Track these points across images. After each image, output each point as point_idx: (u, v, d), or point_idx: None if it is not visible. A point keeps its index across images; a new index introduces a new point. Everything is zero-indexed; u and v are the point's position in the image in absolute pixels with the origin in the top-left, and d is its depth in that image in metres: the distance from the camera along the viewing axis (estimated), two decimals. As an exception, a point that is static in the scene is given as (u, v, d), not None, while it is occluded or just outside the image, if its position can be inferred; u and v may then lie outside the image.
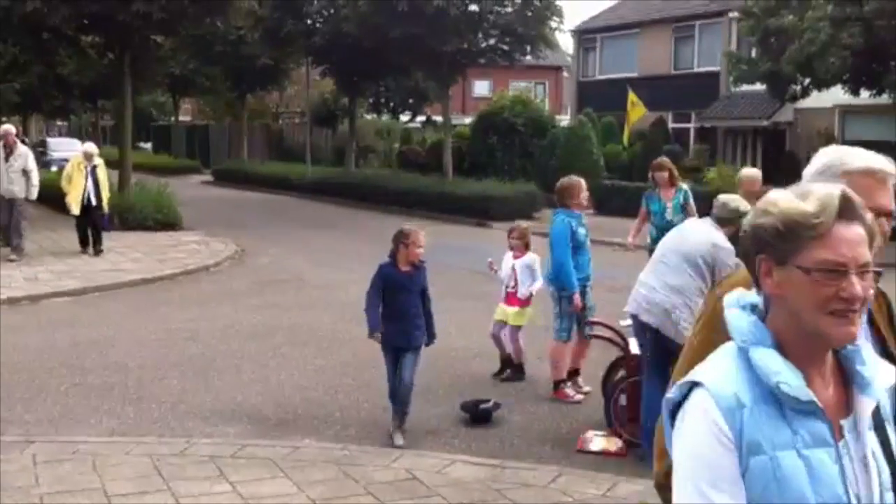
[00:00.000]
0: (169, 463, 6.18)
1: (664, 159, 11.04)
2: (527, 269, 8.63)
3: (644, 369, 6.63)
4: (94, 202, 15.92)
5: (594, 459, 6.62)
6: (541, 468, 6.28)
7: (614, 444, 6.86)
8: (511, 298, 8.66)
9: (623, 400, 7.02)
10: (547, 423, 7.53)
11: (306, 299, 12.90)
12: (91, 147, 16.70)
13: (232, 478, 5.93)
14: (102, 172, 16.23)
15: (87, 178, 15.92)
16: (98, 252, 16.03)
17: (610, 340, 7.75)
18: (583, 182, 8.46)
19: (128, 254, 16.49)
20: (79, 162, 16.12)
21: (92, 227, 16.18)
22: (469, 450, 6.81)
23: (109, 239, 16.95)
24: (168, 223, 20.23)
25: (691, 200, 10.48)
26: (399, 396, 6.94)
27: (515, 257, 8.71)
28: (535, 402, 8.07)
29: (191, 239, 18.79)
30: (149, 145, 57.73)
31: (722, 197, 6.54)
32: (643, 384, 6.61)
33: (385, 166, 35.87)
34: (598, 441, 6.91)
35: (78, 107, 46.97)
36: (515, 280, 8.60)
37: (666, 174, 10.51)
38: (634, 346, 7.24)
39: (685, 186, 10.75)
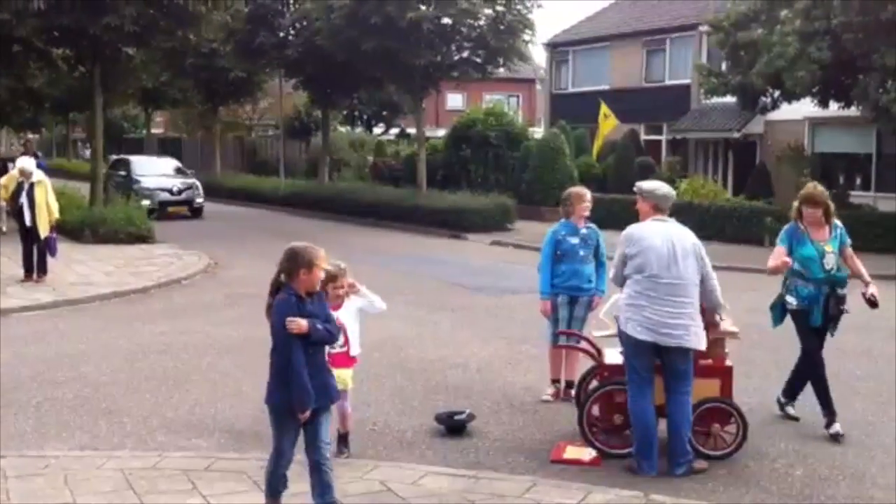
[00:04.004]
0: (141, 477, 6.14)
1: (820, 190, 7.72)
2: (357, 313, 6.64)
3: (630, 379, 6.67)
4: (28, 223, 14.33)
5: (568, 469, 6.63)
6: (515, 479, 6.29)
7: (588, 454, 6.88)
8: (343, 358, 6.49)
9: (596, 410, 7.05)
10: (521, 433, 7.54)
11: (280, 312, 12.84)
12: (27, 162, 14.87)
13: (205, 491, 5.90)
14: (42, 192, 14.45)
15: (21, 196, 14.37)
16: (40, 279, 14.53)
17: (582, 350, 7.78)
18: (578, 193, 8.58)
19: (99, 267, 16.37)
20: (14, 177, 14.66)
21: (37, 252, 14.58)
22: (443, 461, 6.81)
23: (82, 252, 16.80)
24: (140, 236, 20.11)
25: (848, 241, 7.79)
26: (326, 476, 5.36)
27: (334, 308, 6.08)
28: (509, 414, 8.09)
29: (163, 252, 18.69)
30: (121, 158, 57.39)
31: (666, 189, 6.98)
32: (630, 393, 6.65)
33: (359, 179, 35.86)
34: (571, 451, 6.93)
35: (49, 120, 46.61)
36: (346, 336, 6.48)
37: (820, 211, 7.60)
38: (608, 356, 7.29)
39: (839, 224, 7.81)
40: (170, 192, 27.91)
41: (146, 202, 25.70)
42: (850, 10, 19.20)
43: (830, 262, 7.50)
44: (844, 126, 26.13)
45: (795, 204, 7.69)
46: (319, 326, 5.13)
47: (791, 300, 7.61)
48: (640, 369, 6.62)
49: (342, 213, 27.55)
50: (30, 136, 52.42)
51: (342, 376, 6.42)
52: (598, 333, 7.70)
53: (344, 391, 6.49)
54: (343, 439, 6.86)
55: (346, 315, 6.50)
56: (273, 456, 5.39)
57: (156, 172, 29.21)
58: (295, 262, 5.19)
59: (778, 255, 7.58)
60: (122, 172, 29.55)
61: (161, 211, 26.64)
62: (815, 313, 7.51)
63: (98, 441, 7.24)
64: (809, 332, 7.66)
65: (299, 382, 5.08)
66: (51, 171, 25.39)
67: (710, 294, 6.70)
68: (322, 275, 5.33)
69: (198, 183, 29.32)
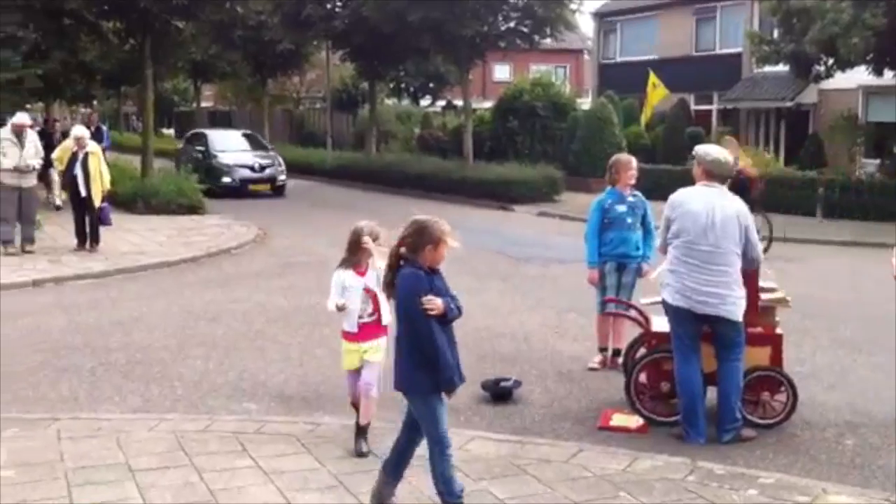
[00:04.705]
0: (192, 439, 6.24)
1: None
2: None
3: (675, 346, 6.63)
4: (83, 193, 14.58)
5: (614, 436, 6.62)
6: (561, 444, 6.29)
7: (635, 421, 6.86)
8: (373, 328, 6.07)
9: (644, 377, 7.01)
10: (567, 400, 7.54)
11: (328, 281, 12.85)
12: (82, 130, 15.18)
13: (254, 453, 5.98)
14: (96, 161, 14.70)
15: (76, 166, 14.59)
16: (94, 248, 14.77)
17: (630, 318, 7.74)
18: (625, 160, 8.51)
19: (151, 237, 16.59)
20: (69, 147, 14.85)
21: (89, 221, 14.83)
22: (490, 427, 6.83)
23: (135, 222, 16.94)
24: (191, 207, 20.35)
25: None
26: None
27: (361, 273, 6.03)
28: (555, 381, 8.08)
29: (213, 222, 18.90)
30: (171, 131, 58.02)
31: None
32: (676, 361, 6.60)
33: (406, 151, 35.86)
34: (618, 418, 6.91)
35: (100, 93, 47.10)
36: (376, 304, 6.04)
37: None
38: (656, 324, 7.24)
39: None
40: (251, 168, 26.00)
41: (226, 180, 25.09)
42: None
43: None
44: (900, 94, 25.56)
45: None
46: (452, 305, 4.83)
47: None
48: (684, 337, 6.57)
49: (389, 184, 27.57)
50: (87, 110, 53.12)
51: (374, 348, 6.05)
52: (644, 301, 7.65)
53: (375, 365, 6.03)
54: (362, 433, 6.06)
55: (373, 281, 5.93)
56: (438, 450, 4.86)
57: (235, 148, 27.26)
58: (422, 237, 4.81)
59: None
60: (200, 148, 27.37)
61: (242, 189, 25.36)
62: None
63: (150, 405, 7.37)
64: None
65: (446, 362, 4.71)
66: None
67: (751, 252, 6.52)
68: (445, 252, 4.88)
69: (280, 159, 27.33)
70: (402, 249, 4.85)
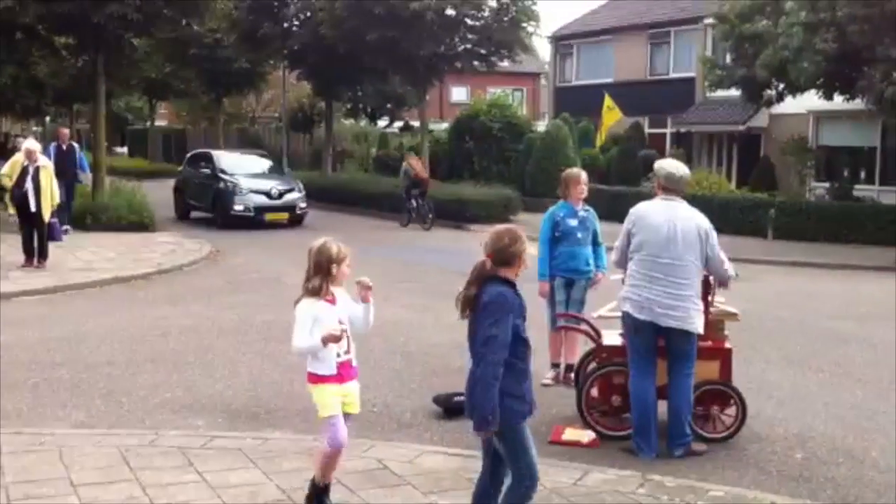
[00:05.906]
0: (137, 453, 6.12)
1: None
2: (352, 311, 5.13)
3: (631, 359, 6.65)
4: (32, 208, 14.14)
5: (566, 450, 6.60)
6: (512, 458, 6.25)
7: (586, 436, 6.84)
8: (350, 368, 5.11)
9: (595, 392, 7.01)
10: (520, 416, 7.51)
11: (281, 298, 12.72)
12: (33, 144, 14.85)
13: (200, 468, 5.87)
14: (47, 177, 14.32)
15: (26, 180, 14.13)
16: (42, 265, 14.32)
17: (581, 332, 7.75)
18: (574, 174, 8.54)
19: (101, 253, 16.33)
20: (19, 161, 14.38)
21: (38, 236, 14.39)
22: (441, 441, 6.78)
23: (84, 238, 16.62)
24: (142, 224, 20.10)
25: None
26: None
27: (332, 302, 5.02)
28: (508, 396, 8.04)
29: (165, 240, 18.67)
30: (124, 150, 57.39)
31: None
32: (631, 374, 6.61)
33: (362, 171, 35.82)
34: (570, 433, 6.89)
35: (51, 109, 46.58)
36: (349, 340, 5.05)
37: None
38: (607, 338, 7.25)
39: None
40: (267, 195, 22.47)
41: (238, 207, 22.08)
42: (856, 1, 19.10)
43: None
44: (849, 119, 26.05)
45: None
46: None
47: None
48: (642, 350, 6.58)
49: (345, 203, 27.48)
50: (37, 128, 52.41)
51: (355, 394, 5.17)
52: (597, 313, 7.67)
53: (351, 418, 5.21)
54: (324, 493, 5.21)
55: (345, 311, 5.08)
56: (527, 485, 4.51)
57: (247, 171, 23.63)
58: (519, 246, 4.43)
59: None
60: (205, 171, 23.84)
61: (256, 219, 22.21)
62: None
63: (95, 420, 7.22)
64: None
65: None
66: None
67: (717, 268, 6.62)
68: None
69: (300, 184, 23.92)
70: (489, 263, 4.47)
